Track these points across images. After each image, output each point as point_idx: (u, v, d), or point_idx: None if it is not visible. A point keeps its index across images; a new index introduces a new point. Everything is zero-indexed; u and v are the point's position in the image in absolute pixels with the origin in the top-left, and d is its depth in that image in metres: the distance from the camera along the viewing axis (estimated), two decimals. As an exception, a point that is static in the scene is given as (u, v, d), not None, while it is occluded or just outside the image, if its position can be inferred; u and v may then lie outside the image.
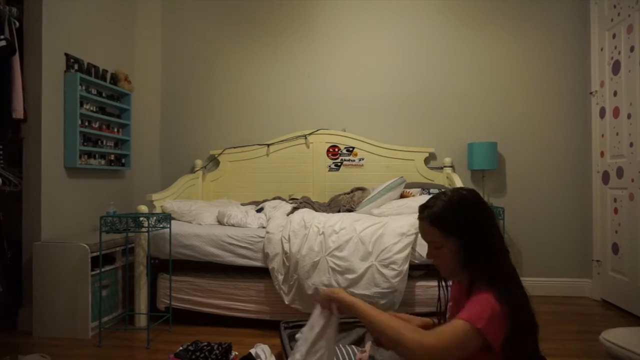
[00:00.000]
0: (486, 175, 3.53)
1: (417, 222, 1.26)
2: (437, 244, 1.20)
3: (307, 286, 2.45)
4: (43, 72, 2.72)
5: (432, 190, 3.09)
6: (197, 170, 3.73)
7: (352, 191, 3.40)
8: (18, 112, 2.59)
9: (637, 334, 1.70)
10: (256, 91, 3.83)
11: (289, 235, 2.58)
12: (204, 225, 2.85)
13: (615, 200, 3.06)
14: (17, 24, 2.68)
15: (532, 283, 3.33)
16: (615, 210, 3.06)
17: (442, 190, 1.29)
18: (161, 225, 2.62)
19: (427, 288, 2.51)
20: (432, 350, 0.98)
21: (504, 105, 3.56)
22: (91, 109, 3.11)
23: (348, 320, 2.27)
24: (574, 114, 3.48)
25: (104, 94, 3.26)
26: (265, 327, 2.61)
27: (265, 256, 2.60)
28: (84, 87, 3.00)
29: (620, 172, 3.01)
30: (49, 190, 2.75)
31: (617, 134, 3.04)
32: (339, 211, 3.08)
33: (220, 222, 2.91)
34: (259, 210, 3.04)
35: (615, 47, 3.07)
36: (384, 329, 1.05)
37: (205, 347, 2.09)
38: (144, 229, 2.54)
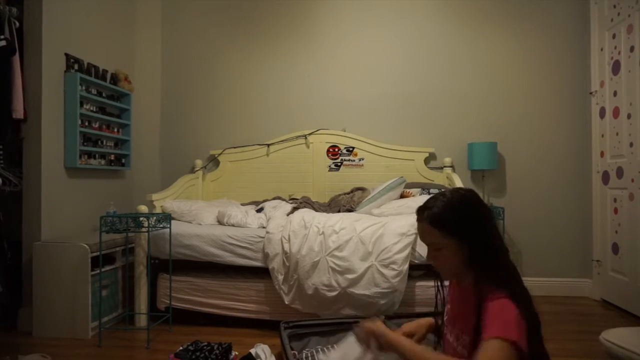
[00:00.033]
0: (486, 175, 3.53)
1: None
2: (437, 245, 1.20)
3: (307, 286, 2.45)
4: (43, 72, 2.72)
5: (432, 190, 3.09)
6: (197, 170, 3.73)
7: (352, 191, 3.40)
8: (18, 112, 2.59)
9: (637, 334, 1.70)
10: (256, 91, 3.83)
11: (289, 235, 2.58)
12: (204, 225, 2.85)
13: (615, 200, 3.06)
14: (17, 24, 2.68)
15: (532, 283, 3.33)
16: (615, 210, 3.06)
17: (441, 191, 1.28)
18: (161, 225, 2.61)
19: (427, 288, 2.51)
20: None
21: (504, 105, 3.57)
22: (91, 109, 3.11)
23: (348, 321, 2.27)
24: (574, 114, 3.48)
25: (104, 94, 3.26)
26: (265, 327, 2.61)
27: (265, 256, 2.60)
28: (84, 87, 3.00)
29: (620, 172, 3.01)
30: (49, 190, 2.75)
31: (617, 134, 3.04)
32: (339, 211, 3.08)
33: (220, 222, 2.91)
34: (259, 210, 3.04)
35: (615, 47, 3.07)
36: None
37: (205, 347, 2.09)
38: (144, 229, 2.54)
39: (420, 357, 1.06)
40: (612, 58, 3.11)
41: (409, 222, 2.51)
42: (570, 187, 3.47)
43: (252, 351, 2.07)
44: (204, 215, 2.96)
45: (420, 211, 1.23)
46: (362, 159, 3.65)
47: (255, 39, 3.82)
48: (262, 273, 2.67)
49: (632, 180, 2.87)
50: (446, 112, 3.62)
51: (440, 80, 3.63)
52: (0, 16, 2.59)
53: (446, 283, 1.38)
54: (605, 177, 3.18)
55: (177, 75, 3.92)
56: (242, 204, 3.38)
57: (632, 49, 2.88)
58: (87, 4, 3.16)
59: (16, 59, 2.61)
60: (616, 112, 3.05)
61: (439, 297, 1.36)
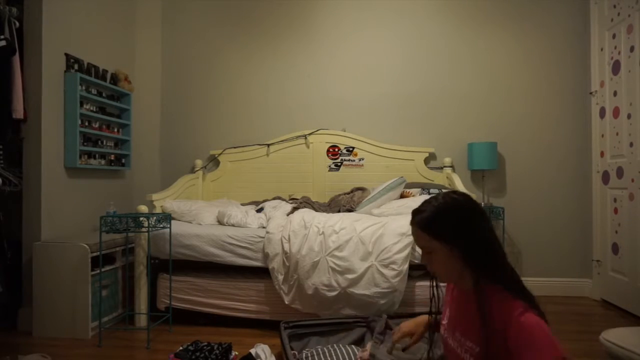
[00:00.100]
0: (486, 175, 3.53)
1: None
2: (428, 249, 1.19)
3: (307, 286, 2.45)
4: (43, 72, 2.72)
5: (432, 191, 3.09)
6: (197, 170, 3.73)
7: (352, 191, 3.40)
8: (18, 112, 2.59)
9: (637, 334, 1.70)
10: (256, 91, 3.83)
11: (289, 235, 2.57)
12: (204, 225, 2.85)
13: (615, 200, 3.06)
14: (17, 24, 2.68)
15: (532, 283, 3.33)
16: (615, 210, 3.06)
17: (436, 194, 1.28)
18: (161, 225, 2.61)
19: (427, 288, 2.45)
20: None
21: (504, 105, 3.57)
22: (91, 109, 3.11)
23: (348, 321, 2.27)
24: (574, 114, 3.48)
25: (104, 94, 3.26)
26: (265, 327, 2.61)
27: (265, 256, 2.60)
28: (84, 87, 3.00)
29: (620, 172, 3.01)
30: (49, 190, 2.75)
31: (617, 134, 3.04)
32: (339, 211, 3.08)
33: (220, 222, 2.90)
34: (259, 210, 3.04)
35: (615, 47, 3.07)
36: None
37: (205, 347, 2.09)
38: (144, 229, 2.54)
39: None
40: (612, 58, 3.11)
41: (409, 222, 2.50)
42: (570, 187, 3.47)
43: (252, 351, 2.07)
44: (204, 215, 2.96)
45: (413, 214, 1.23)
46: (362, 159, 3.65)
47: (255, 39, 3.82)
48: (262, 273, 2.67)
49: (632, 180, 2.87)
50: (446, 112, 3.62)
51: (440, 80, 3.63)
52: (0, 16, 2.59)
53: (444, 284, 1.38)
54: (605, 177, 3.18)
55: (177, 75, 3.92)
56: (242, 204, 3.38)
57: (632, 49, 2.88)
58: (87, 4, 3.16)
59: (16, 59, 2.61)
60: (616, 112, 3.05)
61: (434, 297, 1.35)
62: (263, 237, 2.64)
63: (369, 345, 1.77)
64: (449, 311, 1.31)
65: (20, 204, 2.72)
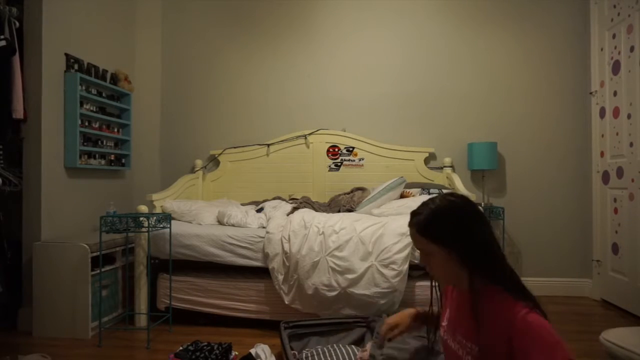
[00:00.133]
0: (486, 175, 3.53)
1: None
2: (425, 251, 1.19)
3: (307, 286, 2.45)
4: (43, 72, 2.72)
5: (432, 191, 3.09)
6: (197, 170, 3.73)
7: (352, 191, 3.40)
8: (18, 112, 2.59)
9: (637, 334, 1.70)
10: (256, 91, 3.83)
11: (289, 235, 2.57)
12: (204, 225, 2.85)
13: (615, 200, 3.06)
14: (17, 24, 2.67)
15: (533, 283, 3.33)
16: (615, 210, 3.06)
17: (435, 195, 1.27)
18: (161, 225, 2.61)
19: (427, 288, 2.45)
20: None
21: (504, 105, 3.57)
22: (91, 109, 3.11)
23: (348, 321, 2.27)
24: (574, 114, 3.48)
25: (104, 94, 3.26)
26: (265, 327, 2.61)
27: (265, 256, 2.60)
28: (84, 87, 3.00)
29: (620, 172, 3.01)
30: (49, 190, 2.75)
31: (617, 134, 3.04)
32: (339, 211, 3.08)
33: (220, 222, 2.90)
34: (259, 210, 3.04)
35: (615, 47, 3.07)
36: None
37: (205, 347, 2.09)
38: (144, 229, 2.54)
39: None
40: (612, 58, 3.11)
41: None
42: (570, 187, 3.47)
43: (252, 351, 2.07)
44: (204, 215, 2.96)
45: (411, 216, 1.22)
46: (362, 159, 3.65)
47: (255, 39, 3.82)
48: (262, 273, 2.67)
49: (632, 180, 2.87)
50: (446, 112, 3.62)
51: (440, 80, 3.63)
52: (0, 16, 2.59)
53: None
54: (605, 177, 3.18)
55: (177, 75, 3.92)
56: (242, 204, 3.38)
57: (632, 49, 2.88)
58: (87, 4, 3.16)
59: (16, 59, 2.61)
60: (616, 112, 3.05)
61: (433, 297, 1.35)
62: (263, 237, 2.64)
63: (368, 345, 1.77)
64: (448, 312, 1.31)
65: (20, 204, 2.72)
